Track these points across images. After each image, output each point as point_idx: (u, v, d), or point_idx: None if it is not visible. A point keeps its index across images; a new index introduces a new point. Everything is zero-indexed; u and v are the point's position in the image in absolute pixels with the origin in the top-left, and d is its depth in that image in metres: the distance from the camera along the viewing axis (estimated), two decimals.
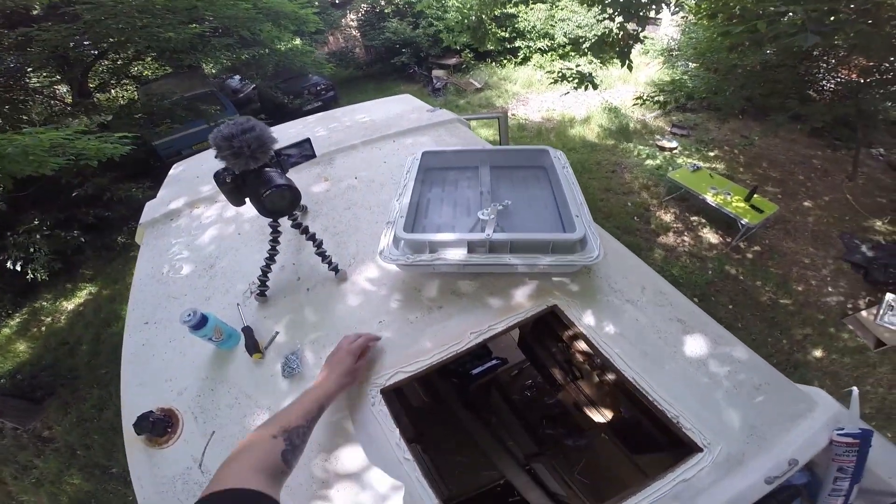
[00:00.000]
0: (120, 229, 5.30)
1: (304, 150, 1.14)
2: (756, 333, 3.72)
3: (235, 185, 1.00)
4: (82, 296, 4.84)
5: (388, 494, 0.85)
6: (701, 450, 0.88)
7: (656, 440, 1.29)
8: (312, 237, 1.17)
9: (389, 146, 1.80)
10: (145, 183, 5.26)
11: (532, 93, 7.99)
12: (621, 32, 3.19)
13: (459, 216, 1.24)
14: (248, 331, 1.12)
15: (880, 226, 4.79)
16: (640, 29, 3.20)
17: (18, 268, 2.97)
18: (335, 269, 1.22)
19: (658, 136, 6.08)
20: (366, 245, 1.33)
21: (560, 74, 3.88)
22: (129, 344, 1.20)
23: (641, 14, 2.93)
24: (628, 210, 5.00)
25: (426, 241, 1.06)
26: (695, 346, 1.03)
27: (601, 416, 1.74)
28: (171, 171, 2.05)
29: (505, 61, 9.15)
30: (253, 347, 1.08)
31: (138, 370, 1.13)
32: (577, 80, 3.64)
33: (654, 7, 2.94)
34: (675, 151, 5.79)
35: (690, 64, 6.32)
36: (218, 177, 0.99)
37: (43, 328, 4.57)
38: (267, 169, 0.98)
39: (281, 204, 0.98)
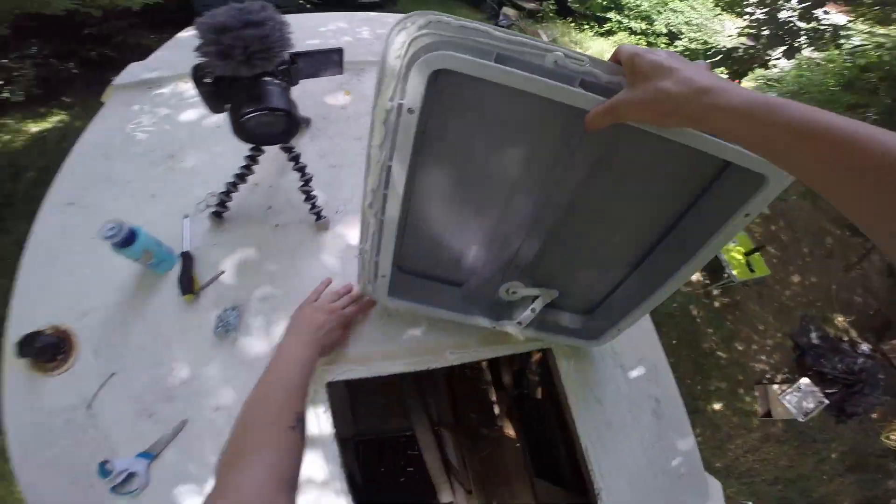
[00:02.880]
0: (120, 69, 4.87)
1: (329, 62, 0.85)
2: (681, 373, 4.04)
3: (217, 89, 0.74)
4: (52, 121, 4.40)
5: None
6: None
7: (562, 478, 1.34)
8: (301, 170, 0.95)
9: None
10: (165, 34, 4.74)
11: None
12: (753, 53, 2.91)
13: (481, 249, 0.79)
14: (186, 258, 0.93)
15: (840, 321, 5.02)
16: (772, 56, 2.92)
17: None
18: (317, 215, 1.01)
19: None
20: (360, 193, 1.15)
21: None
22: (41, 227, 0.99)
23: (795, 44, 2.67)
24: None
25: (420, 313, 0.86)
26: (655, 428, 1.04)
27: (519, 430, 1.81)
28: (179, 35, 1.72)
29: (587, 27, 8.19)
30: (187, 285, 0.90)
31: (43, 268, 0.93)
32: None
33: (808, 41, 2.67)
34: None
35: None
36: (196, 72, 0.73)
37: None
38: (264, 79, 0.74)
39: (267, 131, 0.77)
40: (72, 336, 0.84)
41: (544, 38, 7.54)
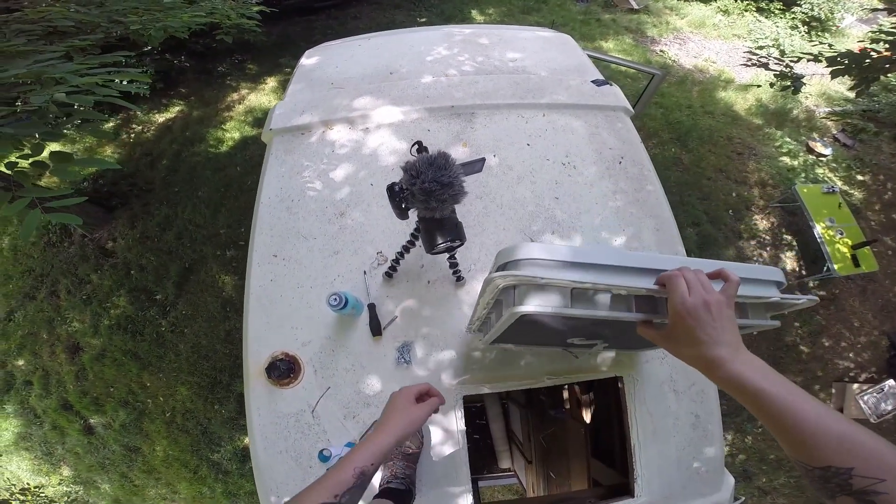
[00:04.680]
0: (223, 60, 5.25)
1: (476, 167, 1.09)
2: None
3: (407, 209, 1.00)
4: (174, 112, 4.88)
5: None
6: (633, 496, 1.24)
7: (613, 461, 1.62)
8: (453, 256, 1.23)
9: (538, 121, 1.64)
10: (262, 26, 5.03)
11: (697, 35, 6.51)
12: (884, 64, 2.61)
13: None
14: (372, 308, 1.27)
15: None
16: None
17: (125, 83, 3.16)
18: (458, 277, 1.30)
19: (815, 136, 5.23)
20: (489, 253, 1.38)
21: (761, 62, 3.30)
22: (256, 275, 1.33)
23: None
24: (729, 200, 4.69)
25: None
26: (690, 436, 1.30)
27: (588, 417, 2.06)
28: (303, 61, 1.96)
29: None
30: (376, 328, 1.25)
31: (266, 307, 1.30)
32: (779, 76, 3.16)
33: None
34: (822, 159, 5.09)
35: None
36: (392, 191, 0.97)
37: (132, 136, 4.67)
38: (447, 217, 1.01)
39: (447, 248, 1.04)
40: (299, 360, 1.24)
41: (633, 3, 6.92)
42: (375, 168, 1.51)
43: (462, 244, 1.06)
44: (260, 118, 4.73)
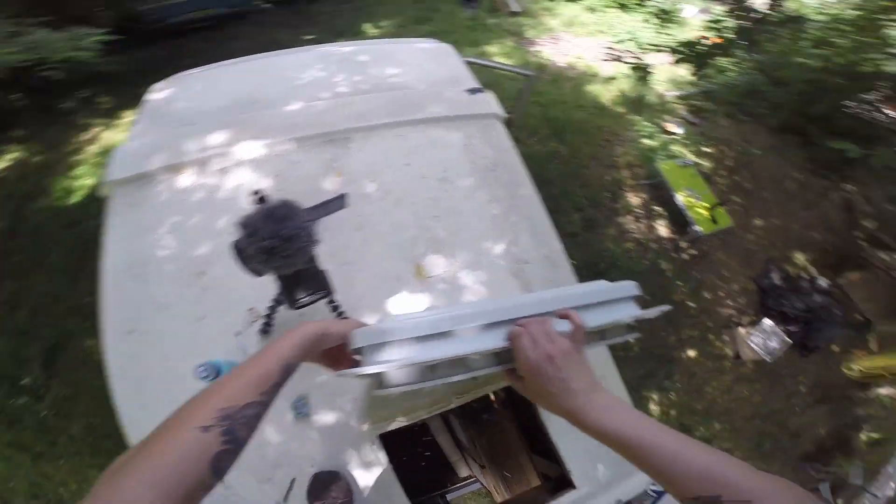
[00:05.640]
0: (66, 94, 4.56)
1: (336, 205, 1.11)
2: (654, 325, 4.44)
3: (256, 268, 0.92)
4: (8, 160, 4.17)
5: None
6: (574, 487, 1.30)
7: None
8: (336, 308, 1.18)
9: (416, 138, 1.61)
10: (113, 54, 4.27)
11: (568, 33, 7.14)
12: (720, 44, 3.03)
13: None
14: None
15: (801, 260, 5.46)
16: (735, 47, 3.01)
17: None
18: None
19: (668, 118, 6.01)
20: (374, 288, 1.32)
21: (615, 55, 3.68)
22: (113, 356, 1.17)
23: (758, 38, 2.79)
24: (604, 184, 5.20)
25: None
26: None
27: (513, 416, 2.13)
28: (149, 97, 1.73)
29: None
30: None
31: (135, 389, 1.14)
32: (633, 67, 3.54)
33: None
34: (676, 137, 5.85)
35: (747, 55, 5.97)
36: (239, 251, 0.88)
37: None
38: (305, 269, 0.94)
39: (313, 300, 1.00)
40: None
41: (513, 6, 7.38)
42: (236, 214, 1.37)
43: (328, 295, 1.01)
44: None
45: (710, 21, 3.34)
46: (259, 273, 0.93)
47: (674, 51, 3.08)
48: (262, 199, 0.95)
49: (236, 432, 0.46)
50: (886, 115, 5.25)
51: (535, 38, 6.91)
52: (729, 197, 5.32)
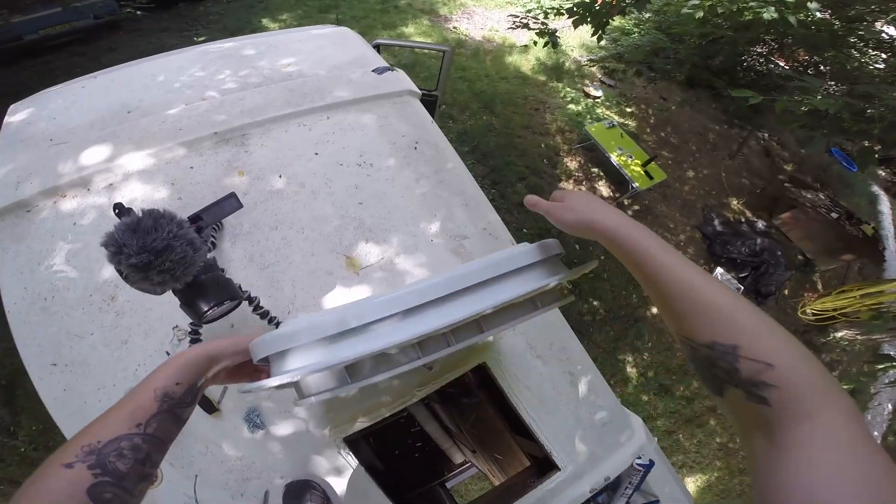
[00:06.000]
0: None
1: (229, 205, 0.99)
2: (615, 286, 4.55)
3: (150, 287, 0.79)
4: None
5: None
6: (559, 469, 1.27)
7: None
8: (257, 307, 1.06)
9: (323, 125, 1.48)
10: None
11: (480, 7, 7.12)
12: (612, 2, 3.05)
13: None
14: None
15: (735, 205, 5.80)
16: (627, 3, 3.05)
17: None
18: (277, 325, 1.12)
19: (587, 82, 6.17)
20: (304, 286, 1.23)
21: (522, 22, 3.66)
22: (45, 389, 1.08)
23: None
24: (541, 151, 5.28)
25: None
26: (574, 393, 1.36)
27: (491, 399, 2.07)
28: (8, 119, 1.53)
29: None
30: (207, 406, 1.04)
31: (75, 419, 1.05)
32: (539, 34, 3.51)
33: None
34: (598, 100, 6.02)
35: (646, 15, 6.21)
36: (120, 273, 0.75)
37: None
38: (203, 280, 0.83)
39: (224, 312, 0.88)
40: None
41: None
42: None
43: (238, 303, 0.90)
44: None
45: None
46: (153, 292, 0.81)
47: (569, 12, 3.10)
48: (123, 211, 0.79)
49: (107, 465, 0.45)
50: (779, 65, 5.67)
51: (450, 15, 6.87)
52: (658, 152, 5.56)
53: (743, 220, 5.64)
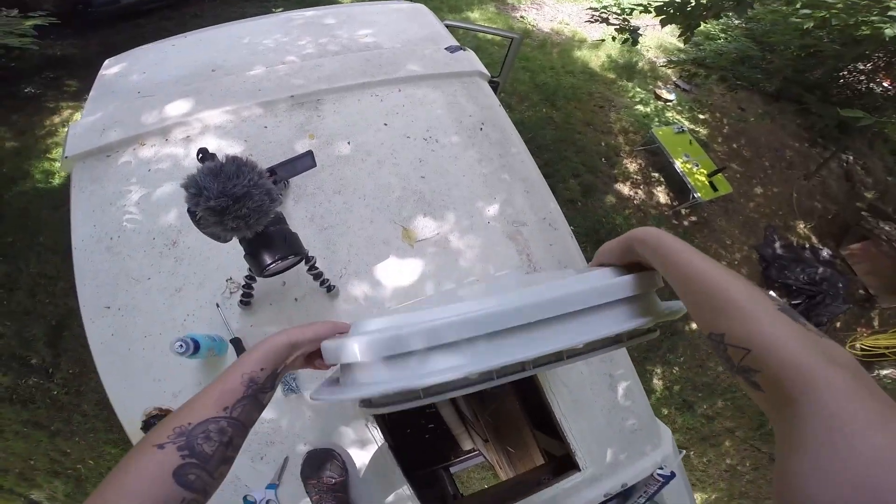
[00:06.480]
0: (29, 79, 4.45)
1: (304, 163, 0.99)
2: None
3: (217, 233, 0.81)
4: None
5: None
6: (579, 469, 1.24)
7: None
8: (312, 267, 1.06)
9: (393, 97, 1.50)
10: (66, 37, 4.25)
11: None
12: (705, 6, 2.85)
13: None
14: (237, 343, 1.09)
15: (802, 228, 5.37)
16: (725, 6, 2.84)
17: None
18: (328, 288, 1.14)
19: (660, 84, 5.83)
20: (359, 252, 1.24)
21: (602, 17, 3.49)
22: (93, 333, 1.12)
23: None
24: (600, 150, 5.07)
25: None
26: (611, 397, 1.31)
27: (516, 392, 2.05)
28: (103, 72, 1.62)
29: None
30: None
31: (117, 364, 1.10)
32: (619, 30, 3.34)
33: None
34: (669, 104, 5.71)
35: (736, 21, 5.78)
36: (192, 215, 0.78)
37: None
38: (271, 231, 0.83)
39: (284, 267, 0.90)
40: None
41: None
42: None
43: (301, 259, 0.91)
44: None
45: None
46: (220, 238, 0.84)
47: (658, 10, 2.90)
48: (207, 156, 0.82)
49: (195, 447, 0.47)
50: (882, 85, 5.14)
51: (518, 4, 6.70)
52: (727, 164, 5.21)
53: (807, 245, 5.21)
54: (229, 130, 1.38)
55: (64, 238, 3.61)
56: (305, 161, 1.01)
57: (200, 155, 0.87)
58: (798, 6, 2.60)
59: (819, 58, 4.17)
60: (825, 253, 5.12)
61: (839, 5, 2.41)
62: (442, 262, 1.27)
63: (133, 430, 1.06)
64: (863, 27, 2.45)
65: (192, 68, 1.59)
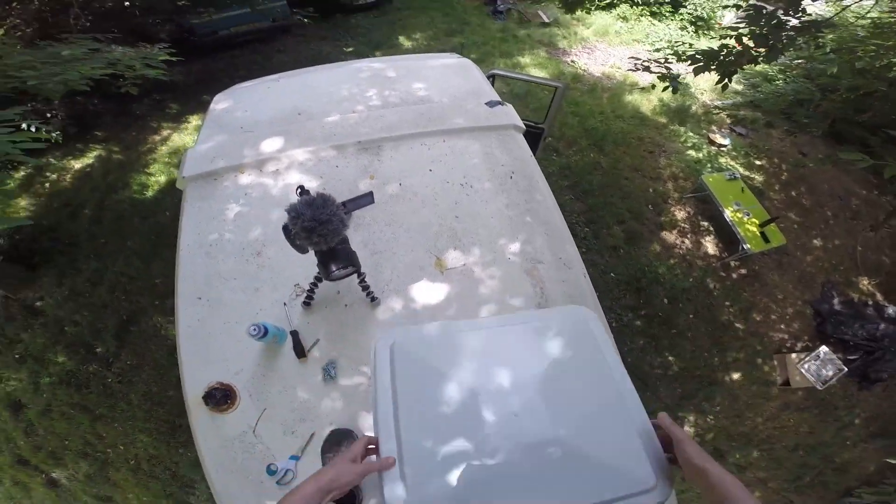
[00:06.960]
0: (140, 100, 5.14)
1: (366, 201, 1.30)
2: (697, 346, 4.25)
3: (301, 246, 1.13)
4: (91, 157, 4.70)
5: None
6: None
7: None
8: (363, 280, 1.35)
9: (439, 147, 1.80)
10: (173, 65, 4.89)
11: (602, 43, 7.06)
12: (742, 50, 2.92)
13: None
14: (295, 334, 1.37)
15: (865, 284, 5.00)
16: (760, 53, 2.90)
17: (33, 129, 2.76)
18: (372, 298, 1.41)
19: (714, 129, 5.74)
20: (400, 275, 1.50)
21: (643, 65, 3.61)
22: (183, 317, 1.41)
23: (778, 44, 2.71)
24: (647, 196, 5.01)
25: None
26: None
27: None
28: (213, 107, 2.02)
29: (588, 2, 7.71)
30: (300, 351, 1.35)
31: (197, 345, 1.38)
32: (660, 77, 3.43)
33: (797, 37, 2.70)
34: (724, 149, 5.63)
35: (796, 61, 5.63)
36: (286, 231, 1.10)
37: (47, 185, 4.44)
38: (339, 248, 1.13)
39: (344, 274, 1.18)
40: (234, 387, 1.33)
41: (544, 17, 7.48)
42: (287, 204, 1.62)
43: (356, 271, 1.19)
44: None
45: (731, 27, 3.21)
46: (303, 250, 1.15)
47: (691, 59, 2.96)
48: (304, 192, 1.18)
49: None
50: None
51: (569, 49, 6.90)
52: (784, 213, 5.03)
53: (870, 302, 4.85)
54: (310, 168, 1.73)
55: (149, 244, 4.18)
56: (367, 199, 1.32)
57: (299, 190, 1.21)
58: (827, 51, 2.60)
59: (871, 98, 4.00)
60: (891, 310, 4.75)
61: (867, 48, 2.40)
62: (466, 288, 1.51)
63: (194, 398, 1.30)
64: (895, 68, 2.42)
65: (283, 110, 1.98)
